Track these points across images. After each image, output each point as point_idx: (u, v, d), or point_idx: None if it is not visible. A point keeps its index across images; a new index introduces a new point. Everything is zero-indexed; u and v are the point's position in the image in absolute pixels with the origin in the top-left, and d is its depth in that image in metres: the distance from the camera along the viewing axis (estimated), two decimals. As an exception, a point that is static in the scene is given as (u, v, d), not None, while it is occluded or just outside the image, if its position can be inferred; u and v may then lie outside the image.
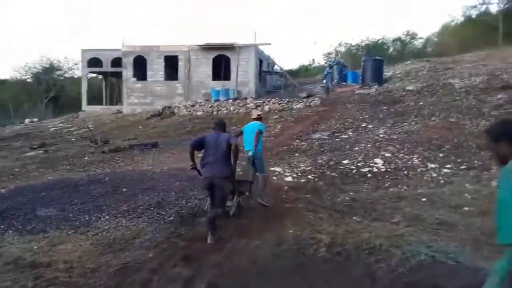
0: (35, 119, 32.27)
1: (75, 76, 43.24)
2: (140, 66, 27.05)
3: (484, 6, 34.95)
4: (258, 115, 7.71)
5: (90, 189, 8.53)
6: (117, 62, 28.63)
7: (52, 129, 24.65)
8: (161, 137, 17.00)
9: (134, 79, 26.83)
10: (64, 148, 16.12)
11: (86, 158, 13.33)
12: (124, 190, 8.27)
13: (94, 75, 34.80)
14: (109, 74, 31.86)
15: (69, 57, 47.02)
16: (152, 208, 6.90)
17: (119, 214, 6.69)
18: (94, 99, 32.61)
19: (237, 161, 5.94)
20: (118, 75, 29.90)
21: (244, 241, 5.41)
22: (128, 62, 26.77)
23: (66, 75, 45.41)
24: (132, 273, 4.55)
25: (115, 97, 33.64)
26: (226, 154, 5.65)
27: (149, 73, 26.69)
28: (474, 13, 36.01)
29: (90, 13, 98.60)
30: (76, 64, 41.98)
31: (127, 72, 26.81)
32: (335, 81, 24.80)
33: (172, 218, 6.41)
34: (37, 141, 18.37)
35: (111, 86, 34.17)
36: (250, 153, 7.02)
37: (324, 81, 23.00)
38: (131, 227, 6.07)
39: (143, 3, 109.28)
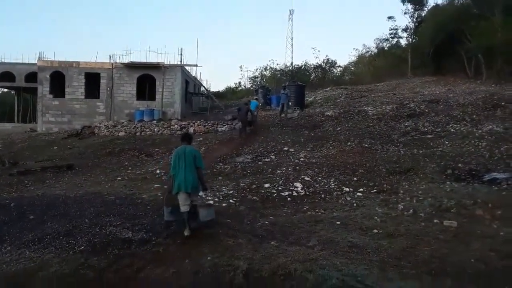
0: None
1: (-17, 90, 39.77)
2: (58, 82, 25.61)
3: (395, 40, 38.20)
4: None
5: (-8, 216, 7.79)
6: (32, 77, 26.88)
7: (-49, 148, 22.25)
8: (79, 158, 16.08)
9: (51, 95, 25.28)
10: (-35, 169, 14.60)
11: (-10, 181, 12.19)
12: (31, 217, 7.66)
13: (6, 90, 32.28)
14: (23, 89, 29.75)
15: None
16: (61, 237, 6.44)
17: (22, 245, 6.16)
18: (4, 116, 30.17)
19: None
20: (33, 91, 28.04)
21: (159, 270, 5.24)
22: (44, 77, 25.22)
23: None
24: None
25: (29, 115, 31.39)
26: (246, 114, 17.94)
27: (67, 90, 25.34)
28: (386, 46, 39.15)
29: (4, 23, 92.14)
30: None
31: (43, 88, 25.21)
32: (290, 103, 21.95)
33: (82, 247, 6.02)
34: None
35: (25, 102, 31.88)
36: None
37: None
38: (36, 258, 5.62)
39: (64, 17, 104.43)
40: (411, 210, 7.93)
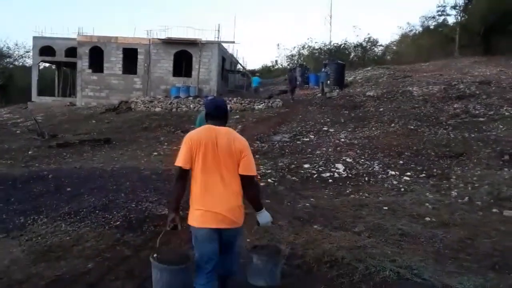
0: (-21, 109, 30.07)
1: (27, 65, 40.91)
2: (97, 57, 25.82)
3: (442, 18, 36.12)
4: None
5: (31, 187, 7.75)
6: (71, 51, 27.23)
7: (-4, 119, 23.01)
8: (116, 133, 16.14)
9: (90, 70, 25.58)
10: (8, 140, 14.94)
11: (30, 152, 12.36)
12: (68, 189, 7.55)
13: (47, 64, 32.97)
14: (63, 64, 30.27)
15: (20, 44, 44.45)
16: (97, 211, 6.26)
17: (58, 217, 6.01)
18: (45, 90, 30.88)
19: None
20: (73, 66, 28.46)
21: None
22: (83, 52, 25.48)
23: (16, 63, 42.82)
24: (66, 287, 3.99)
25: (69, 89, 32.01)
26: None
27: (106, 65, 25.53)
28: (432, 24, 37.12)
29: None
30: (27, 52, 39.71)
31: (82, 63, 25.51)
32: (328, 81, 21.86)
33: (118, 223, 5.81)
34: (-22, 132, 17.01)
35: (65, 77, 32.49)
36: None
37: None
38: (71, 232, 5.45)
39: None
40: (466, 198, 7.30)
